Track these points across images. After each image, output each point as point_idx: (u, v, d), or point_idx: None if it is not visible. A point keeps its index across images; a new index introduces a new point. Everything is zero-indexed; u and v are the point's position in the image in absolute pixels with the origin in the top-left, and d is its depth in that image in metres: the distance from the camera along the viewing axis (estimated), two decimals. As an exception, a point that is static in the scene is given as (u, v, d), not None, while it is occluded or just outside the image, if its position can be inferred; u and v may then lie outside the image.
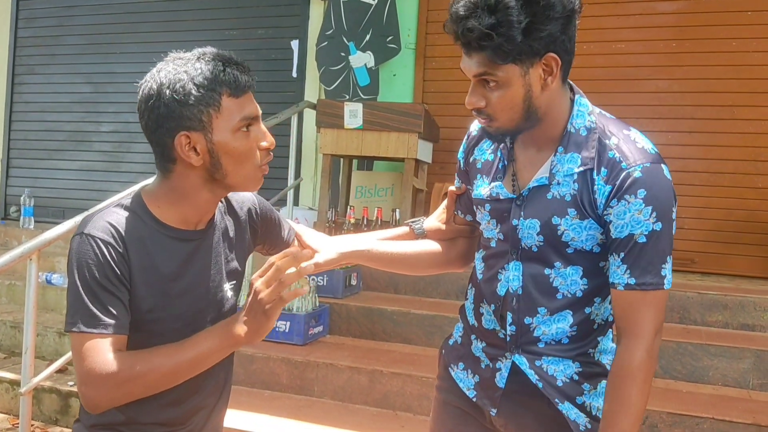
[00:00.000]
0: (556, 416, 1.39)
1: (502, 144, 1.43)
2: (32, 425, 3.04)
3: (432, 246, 1.59)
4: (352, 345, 3.53)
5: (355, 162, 4.96)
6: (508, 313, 1.39)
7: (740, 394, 2.99)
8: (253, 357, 3.29)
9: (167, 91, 1.20)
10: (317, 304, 3.58)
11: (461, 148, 1.57)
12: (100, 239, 1.19)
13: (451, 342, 1.59)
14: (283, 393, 3.23)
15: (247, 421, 2.86)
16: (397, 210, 4.16)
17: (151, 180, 1.34)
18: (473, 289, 1.50)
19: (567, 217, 1.32)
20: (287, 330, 3.43)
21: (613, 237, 1.29)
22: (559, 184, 1.33)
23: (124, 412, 1.28)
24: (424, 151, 4.44)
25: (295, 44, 5.42)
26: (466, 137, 1.56)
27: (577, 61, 1.33)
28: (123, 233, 1.21)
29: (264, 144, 1.26)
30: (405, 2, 5.10)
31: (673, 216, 1.28)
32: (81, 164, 6.15)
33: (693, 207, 4.37)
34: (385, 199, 4.76)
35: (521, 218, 1.36)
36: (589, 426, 1.37)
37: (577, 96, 1.36)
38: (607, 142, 1.30)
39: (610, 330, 1.44)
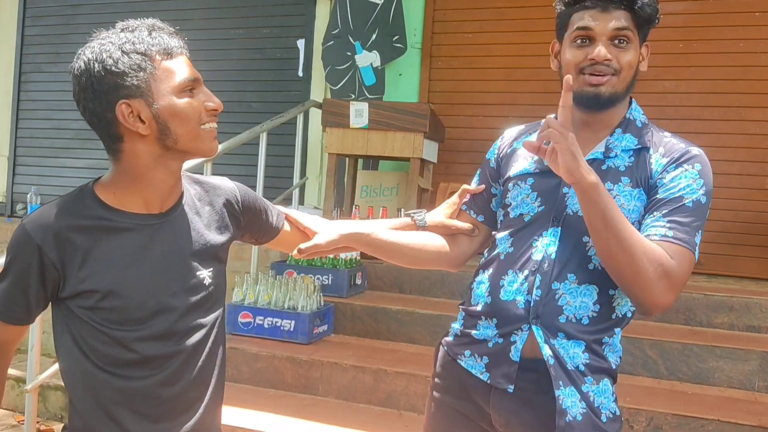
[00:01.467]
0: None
1: None
2: (37, 422, 3.05)
3: (435, 240, 1.58)
4: (356, 344, 3.53)
5: (360, 161, 4.96)
6: (537, 275, 1.39)
7: (746, 396, 2.98)
8: (257, 355, 3.30)
9: (96, 65, 1.16)
10: (322, 304, 3.58)
11: (493, 148, 1.63)
12: (32, 234, 1.17)
13: (450, 336, 1.57)
14: (288, 392, 3.23)
15: (251, 419, 2.87)
16: (402, 210, 4.15)
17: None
18: (490, 270, 1.48)
19: (620, 184, 1.40)
20: (292, 329, 3.43)
21: (659, 197, 1.36)
22: (615, 156, 1.42)
23: (109, 418, 1.24)
24: (430, 150, 4.44)
25: (301, 43, 5.42)
26: (500, 139, 1.64)
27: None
28: (60, 226, 1.18)
29: (210, 105, 1.24)
30: (411, 2, 5.09)
31: (709, 203, 1.38)
32: (88, 162, 6.16)
33: (699, 208, 4.34)
34: (390, 198, 4.76)
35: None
36: (579, 418, 1.35)
37: (633, 99, 1.51)
38: (661, 133, 1.46)
39: (621, 330, 1.44)
